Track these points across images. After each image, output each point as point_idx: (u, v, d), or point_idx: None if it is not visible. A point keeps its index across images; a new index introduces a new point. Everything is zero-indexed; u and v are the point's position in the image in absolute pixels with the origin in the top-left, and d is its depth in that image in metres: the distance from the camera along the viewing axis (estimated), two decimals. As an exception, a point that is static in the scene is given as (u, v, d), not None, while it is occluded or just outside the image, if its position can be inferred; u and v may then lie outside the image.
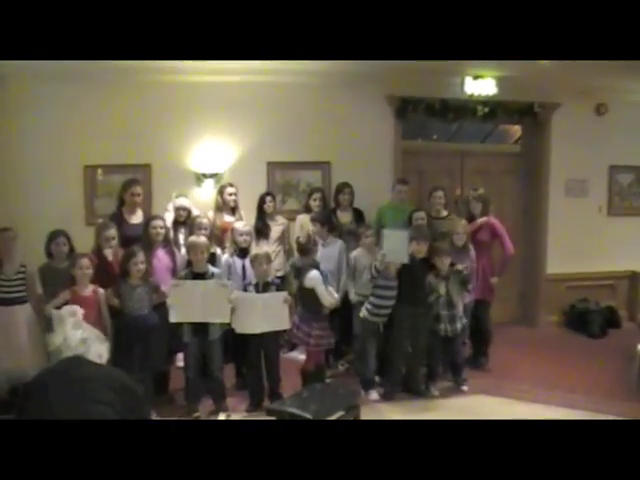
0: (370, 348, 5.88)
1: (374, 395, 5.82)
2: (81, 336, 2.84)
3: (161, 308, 5.34)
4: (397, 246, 5.58)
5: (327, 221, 6.30)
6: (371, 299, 5.76)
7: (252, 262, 5.53)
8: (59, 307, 3.72)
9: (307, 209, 6.77)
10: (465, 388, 6.03)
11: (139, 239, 5.60)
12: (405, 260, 5.61)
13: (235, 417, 5.38)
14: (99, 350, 2.91)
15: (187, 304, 5.19)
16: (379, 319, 5.81)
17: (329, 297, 5.52)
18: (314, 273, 5.52)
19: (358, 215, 6.84)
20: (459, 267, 5.89)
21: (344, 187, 6.84)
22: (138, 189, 6.05)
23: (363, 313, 5.83)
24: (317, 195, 6.75)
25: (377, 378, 6.04)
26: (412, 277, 5.75)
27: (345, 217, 6.80)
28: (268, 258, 5.53)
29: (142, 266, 5.23)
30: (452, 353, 6.08)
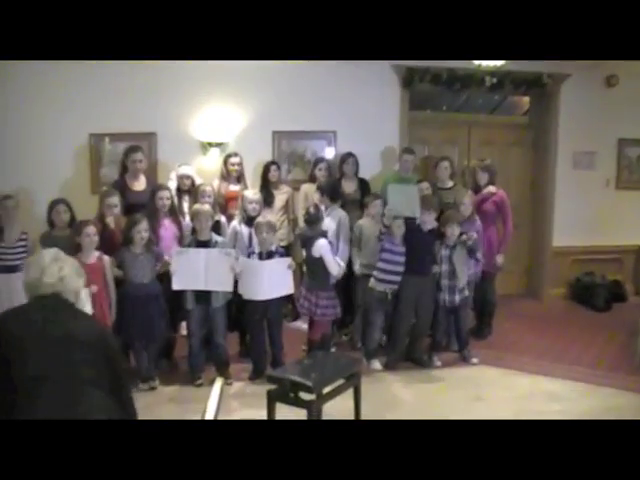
0: (376, 318, 5.89)
1: (377, 365, 5.84)
2: (59, 274, 2.68)
3: (165, 276, 5.35)
4: (405, 199, 5.61)
5: (330, 190, 6.26)
6: (379, 264, 5.76)
7: (255, 230, 5.53)
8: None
9: (312, 178, 6.75)
10: (475, 360, 6.04)
11: (142, 206, 5.61)
12: (417, 214, 5.64)
13: (238, 384, 5.42)
14: (76, 285, 2.77)
15: (190, 272, 5.21)
16: (387, 286, 5.79)
17: (336, 266, 5.55)
18: (322, 241, 5.54)
19: (363, 185, 6.80)
20: (464, 237, 5.88)
21: (348, 157, 6.80)
22: (140, 156, 6.02)
23: (371, 282, 5.82)
24: (322, 165, 6.73)
25: (384, 338, 6.11)
26: (419, 246, 5.76)
27: (350, 187, 6.75)
28: (270, 226, 5.50)
29: (145, 234, 5.22)
30: (456, 325, 6.09)
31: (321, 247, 5.50)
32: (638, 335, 6.15)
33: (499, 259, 6.53)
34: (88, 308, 4.66)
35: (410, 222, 5.76)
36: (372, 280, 5.80)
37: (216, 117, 7.09)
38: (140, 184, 6.03)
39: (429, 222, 5.78)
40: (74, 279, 2.76)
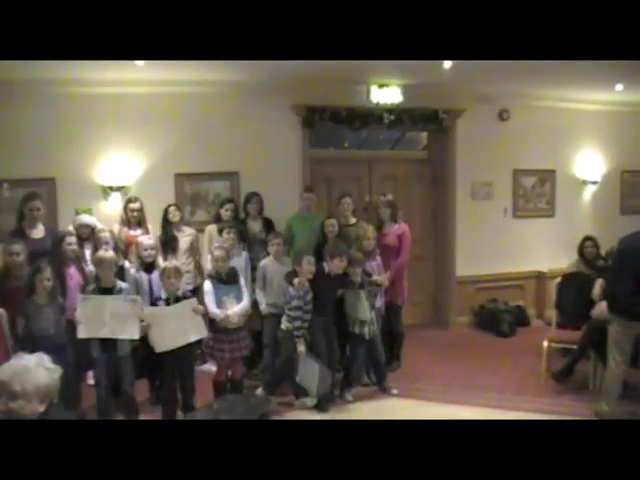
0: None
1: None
2: None
3: (70, 324, 5.18)
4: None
5: (237, 231, 6.28)
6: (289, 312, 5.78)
7: (161, 276, 5.44)
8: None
9: (217, 219, 6.74)
10: (395, 391, 6.10)
11: (42, 254, 5.43)
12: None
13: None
14: None
15: (96, 319, 5.05)
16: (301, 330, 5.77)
17: (213, 309, 5.49)
18: (205, 283, 5.59)
19: (268, 224, 6.84)
20: (377, 279, 6.08)
21: (252, 197, 6.85)
22: (37, 203, 5.85)
23: (285, 325, 5.80)
24: (229, 205, 6.73)
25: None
26: (325, 290, 5.84)
27: (255, 226, 6.80)
28: (177, 272, 5.42)
29: (48, 283, 5.00)
30: (374, 357, 6.13)
31: (203, 288, 5.57)
32: (542, 357, 6.35)
33: (385, 278, 6.40)
34: None
35: (318, 266, 5.84)
36: (285, 322, 5.81)
37: (116, 161, 7.02)
38: (39, 232, 5.85)
39: (339, 268, 5.84)
40: None
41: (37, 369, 2.67)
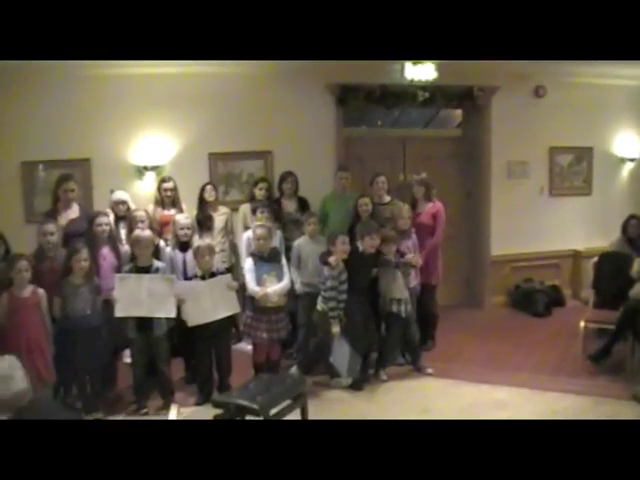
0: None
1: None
2: None
3: (106, 304, 5.23)
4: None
5: (270, 210, 6.28)
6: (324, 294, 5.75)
7: (195, 254, 5.45)
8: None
9: (251, 199, 6.73)
10: (430, 370, 6.09)
11: (77, 235, 5.47)
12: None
13: (183, 411, 5.32)
14: None
15: (132, 298, 5.10)
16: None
17: (252, 286, 5.50)
18: (246, 261, 5.60)
19: (303, 204, 6.82)
20: (411, 260, 6.05)
21: (287, 176, 6.82)
22: (71, 185, 5.90)
23: (320, 306, 5.78)
24: (263, 184, 6.72)
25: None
26: (360, 269, 5.80)
27: (290, 206, 6.79)
28: (211, 250, 5.46)
29: (85, 263, 5.05)
30: (410, 336, 6.10)
31: (244, 267, 5.58)
32: (578, 338, 6.28)
33: (418, 257, 6.30)
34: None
35: (352, 246, 5.77)
36: (320, 303, 5.78)
37: (151, 141, 7.03)
38: (73, 212, 5.90)
39: (371, 247, 5.80)
40: None
41: None
